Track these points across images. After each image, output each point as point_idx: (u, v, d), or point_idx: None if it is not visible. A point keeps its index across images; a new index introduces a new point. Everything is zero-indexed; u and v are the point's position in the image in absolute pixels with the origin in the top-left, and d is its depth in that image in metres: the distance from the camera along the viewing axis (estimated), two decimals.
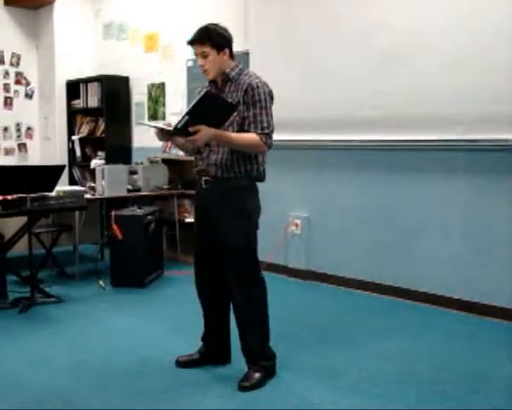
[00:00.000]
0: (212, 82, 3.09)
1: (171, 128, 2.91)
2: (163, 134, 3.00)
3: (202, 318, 3.34)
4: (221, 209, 3.01)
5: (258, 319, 3.11)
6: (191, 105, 2.76)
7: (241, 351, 3.16)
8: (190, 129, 2.78)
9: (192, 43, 3.00)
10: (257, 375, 3.05)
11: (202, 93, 2.80)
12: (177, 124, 2.81)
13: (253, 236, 3.09)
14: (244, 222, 3.03)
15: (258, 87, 2.93)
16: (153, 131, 3.05)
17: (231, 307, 3.23)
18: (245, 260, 3.04)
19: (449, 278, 4.40)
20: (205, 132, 2.80)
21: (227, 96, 2.99)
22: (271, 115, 2.98)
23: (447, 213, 4.42)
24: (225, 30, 3.05)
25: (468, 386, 3.06)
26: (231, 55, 3.04)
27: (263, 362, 3.11)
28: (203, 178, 3.07)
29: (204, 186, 3.07)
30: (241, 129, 2.95)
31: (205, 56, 2.96)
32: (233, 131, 2.94)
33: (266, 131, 2.93)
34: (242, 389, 2.99)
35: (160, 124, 3.02)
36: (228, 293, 3.17)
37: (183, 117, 2.77)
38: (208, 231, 3.10)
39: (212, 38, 2.96)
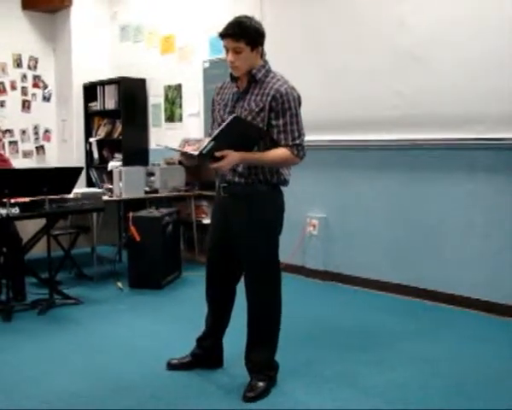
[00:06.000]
0: (234, 80, 2.92)
1: (196, 152, 2.71)
2: (186, 157, 2.90)
3: (206, 317, 3.23)
4: (241, 220, 2.88)
5: (273, 329, 3.01)
6: (218, 130, 2.64)
7: (247, 363, 3.03)
8: (217, 154, 2.65)
9: (225, 36, 2.77)
10: (261, 384, 2.94)
11: (230, 118, 2.63)
12: (203, 149, 2.65)
13: (274, 246, 2.97)
14: (265, 233, 2.90)
15: (287, 93, 2.77)
16: (177, 153, 2.92)
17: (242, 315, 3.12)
18: (266, 272, 2.94)
19: (471, 278, 4.34)
20: (231, 158, 2.68)
21: (251, 99, 2.82)
22: (301, 122, 2.85)
23: (469, 212, 4.35)
24: (260, 25, 2.83)
25: (493, 388, 3.00)
26: (262, 53, 2.86)
27: (268, 372, 3.00)
28: (222, 185, 2.95)
29: (222, 194, 2.95)
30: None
31: (237, 52, 2.76)
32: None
33: (298, 141, 2.80)
34: (248, 399, 2.87)
35: (189, 149, 2.82)
36: (234, 294, 3.14)
37: (209, 142, 2.64)
38: (226, 240, 2.97)
39: (248, 35, 2.75)
